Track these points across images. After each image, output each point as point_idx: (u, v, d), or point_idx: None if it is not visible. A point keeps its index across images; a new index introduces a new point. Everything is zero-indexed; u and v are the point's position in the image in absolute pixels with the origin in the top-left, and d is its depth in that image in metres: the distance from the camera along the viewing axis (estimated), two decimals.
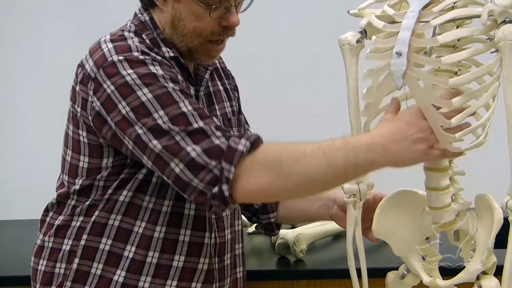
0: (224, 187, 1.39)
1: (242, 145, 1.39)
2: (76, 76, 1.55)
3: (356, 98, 1.53)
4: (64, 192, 1.61)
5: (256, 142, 1.41)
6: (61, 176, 1.65)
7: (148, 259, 1.55)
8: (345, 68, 1.53)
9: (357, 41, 1.51)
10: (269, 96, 2.83)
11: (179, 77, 1.52)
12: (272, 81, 2.87)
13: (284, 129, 2.88)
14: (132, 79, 1.45)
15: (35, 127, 3.00)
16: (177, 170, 1.41)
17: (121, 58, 1.47)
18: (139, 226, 1.55)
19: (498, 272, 1.46)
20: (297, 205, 1.80)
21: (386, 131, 1.38)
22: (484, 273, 1.48)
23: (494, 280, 1.47)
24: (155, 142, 1.42)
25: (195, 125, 1.42)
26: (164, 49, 1.57)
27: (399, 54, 1.36)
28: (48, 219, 1.64)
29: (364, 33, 1.51)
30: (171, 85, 1.46)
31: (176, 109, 1.43)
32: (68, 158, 1.60)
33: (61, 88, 2.90)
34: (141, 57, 1.48)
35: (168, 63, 1.52)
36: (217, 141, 1.40)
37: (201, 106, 1.48)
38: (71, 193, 1.59)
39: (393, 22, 1.45)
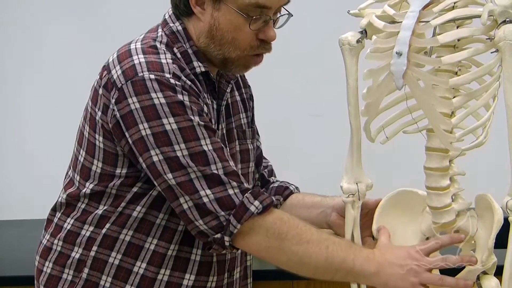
0: (226, 238, 1.45)
1: (255, 206, 1.44)
2: (100, 79, 1.53)
3: (355, 98, 1.53)
4: (74, 193, 1.59)
5: (268, 207, 1.46)
6: (70, 174, 1.63)
7: (159, 277, 1.55)
8: (345, 68, 1.53)
9: (357, 41, 1.51)
10: (269, 96, 2.82)
11: (205, 108, 1.51)
12: (272, 81, 2.87)
13: (284, 129, 2.89)
14: (160, 103, 1.44)
15: (35, 127, 3.00)
16: (185, 206, 1.45)
17: (152, 77, 1.45)
18: (150, 243, 1.54)
19: (498, 272, 1.46)
20: (296, 211, 1.79)
21: (388, 253, 1.46)
22: (484, 273, 1.48)
23: (494, 280, 1.47)
24: (170, 175, 1.44)
25: (213, 167, 1.44)
26: (195, 63, 1.55)
27: (399, 54, 1.36)
28: (56, 219, 1.62)
29: (364, 33, 1.51)
30: (197, 119, 1.46)
31: (198, 146, 1.45)
32: (81, 159, 1.58)
33: (61, 88, 2.91)
34: (172, 81, 1.46)
35: (196, 89, 1.51)
36: (231, 192, 1.44)
37: (221, 146, 1.49)
38: (82, 196, 1.58)
39: (393, 22, 1.45)
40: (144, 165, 1.47)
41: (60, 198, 1.63)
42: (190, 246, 1.56)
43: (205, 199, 1.43)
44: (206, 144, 1.45)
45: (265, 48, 1.57)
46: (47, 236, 1.63)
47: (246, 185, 1.47)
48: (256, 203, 1.44)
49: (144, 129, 1.44)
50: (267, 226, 1.45)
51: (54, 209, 1.64)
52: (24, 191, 2.96)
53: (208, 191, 1.43)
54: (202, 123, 1.47)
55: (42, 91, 2.98)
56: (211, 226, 1.44)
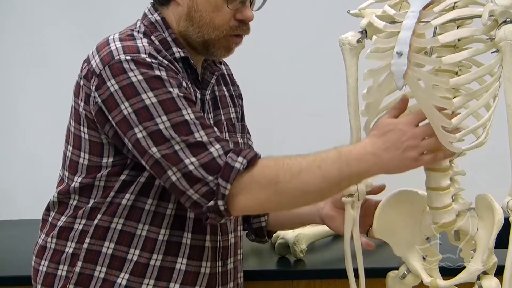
0: (220, 202, 1.43)
1: (239, 163, 1.43)
2: (81, 71, 1.56)
3: (356, 98, 1.53)
4: (64, 189, 1.60)
5: (253, 160, 1.44)
6: (61, 172, 1.65)
7: (152, 262, 1.55)
8: (345, 68, 1.53)
9: (358, 41, 1.51)
10: (269, 96, 2.83)
11: (184, 83, 1.53)
12: (272, 81, 2.87)
13: (284, 129, 2.89)
14: (138, 80, 1.46)
15: (35, 127, 3.00)
16: (173, 178, 1.44)
17: (128, 58, 1.48)
18: (142, 229, 1.55)
19: (499, 272, 1.46)
20: None
21: (378, 140, 1.41)
22: (485, 273, 1.48)
23: (495, 280, 1.47)
24: (154, 149, 1.44)
25: (197, 135, 1.44)
26: (174, 49, 1.58)
27: (400, 54, 1.36)
28: (50, 219, 1.63)
29: (364, 33, 1.51)
30: (176, 90, 1.47)
31: (179, 116, 1.45)
32: (69, 154, 1.60)
33: (61, 88, 2.91)
34: (148, 59, 1.48)
35: (174, 68, 1.53)
36: (215, 154, 1.44)
37: (202, 115, 1.50)
38: (71, 192, 1.59)
39: (393, 22, 1.45)
40: (130, 146, 1.47)
41: (52, 197, 1.64)
42: (180, 230, 1.56)
43: (191, 167, 1.43)
44: (188, 114, 1.46)
45: (243, 30, 1.59)
46: (42, 236, 1.64)
47: (229, 145, 1.47)
48: (240, 159, 1.43)
49: (126, 108, 1.46)
50: (257, 179, 1.43)
51: (47, 209, 1.65)
52: (24, 191, 2.96)
53: (193, 159, 1.43)
54: (182, 94, 1.48)
55: (44, 92, 2.98)
56: (201, 193, 1.43)
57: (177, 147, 1.44)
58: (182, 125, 1.45)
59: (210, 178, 1.42)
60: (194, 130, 1.45)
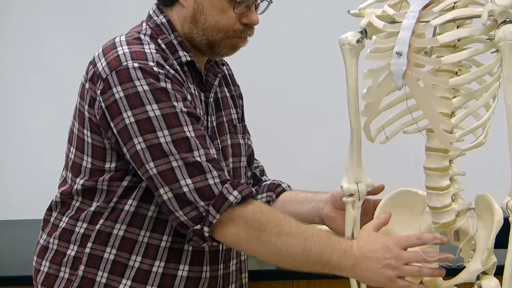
0: (206, 228, 1.45)
1: (234, 196, 1.45)
2: (87, 73, 1.55)
3: (355, 98, 1.53)
4: (67, 190, 1.60)
5: (247, 197, 1.46)
6: (63, 173, 1.65)
7: (154, 269, 1.55)
8: (345, 68, 1.53)
9: (357, 41, 1.51)
10: (269, 96, 2.83)
11: (188, 96, 1.53)
12: (272, 80, 2.87)
13: (284, 129, 2.89)
14: (144, 91, 1.46)
15: (36, 127, 3.00)
16: (165, 197, 1.46)
17: (136, 65, 1.47)
18: (144, 236, 1.55)
19: (498, 272, 1.46)
20: (289, 207, 1.79)
21: (365, 246, 1.45)
22: (484, 273, 1.48)
23: (494, 280, 1.47)
24: (151, 164, 1.45)
25: (195, 154, 1.45)
26: (181, 53, 1.58)
27: (399, 54, 1.36)
28: (52, 219, 1.63)
29: (364, 33, 1.51)
30: (180, 105, 1.47)
31: (181, 132, 1.45)
32: (72, 156, 1.60)
33: (62, 88, 2.91)
34: (156, 69, 1.48)
35: (180, 78, 1.52)
36: (211, 182, 1.45)
37: (203, 132, 1.50)
38: (74, 193, 1.59)
39: (393, 22, 1.45)
40: (128, 156, 1.48)
41: (55, 197, 1.64)
42: (182, 236, 1.56)
43: (185, 189, 1.44)
44: (189, 131, 1.46)
45: (248, 33, 1.60)
46: (44, 236, 1.64)
47: (226, 174, 1.48)
48: (235, 193, 1.45)
49: (128, 117, 1.46)
50: (247, 216, 1.46)
51: (49, 209, 1.65)
52: (24, 192, 2.96)
53: (189, 181, 1.44)
54: (185, 110, 1.48)
55: (43, 91, 2.98)
56: (190, 217, 1.45)
57: (174, 164, 1.44)
58: (182, 141, 1.45)
59: (202, 203, 1.44)
60: (194, 148, 1.45)
